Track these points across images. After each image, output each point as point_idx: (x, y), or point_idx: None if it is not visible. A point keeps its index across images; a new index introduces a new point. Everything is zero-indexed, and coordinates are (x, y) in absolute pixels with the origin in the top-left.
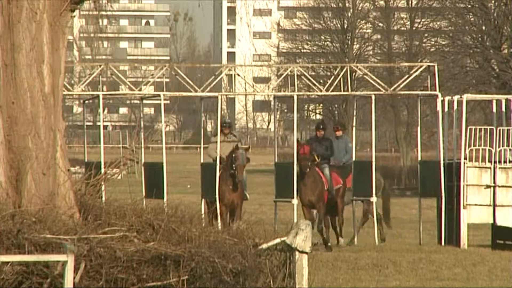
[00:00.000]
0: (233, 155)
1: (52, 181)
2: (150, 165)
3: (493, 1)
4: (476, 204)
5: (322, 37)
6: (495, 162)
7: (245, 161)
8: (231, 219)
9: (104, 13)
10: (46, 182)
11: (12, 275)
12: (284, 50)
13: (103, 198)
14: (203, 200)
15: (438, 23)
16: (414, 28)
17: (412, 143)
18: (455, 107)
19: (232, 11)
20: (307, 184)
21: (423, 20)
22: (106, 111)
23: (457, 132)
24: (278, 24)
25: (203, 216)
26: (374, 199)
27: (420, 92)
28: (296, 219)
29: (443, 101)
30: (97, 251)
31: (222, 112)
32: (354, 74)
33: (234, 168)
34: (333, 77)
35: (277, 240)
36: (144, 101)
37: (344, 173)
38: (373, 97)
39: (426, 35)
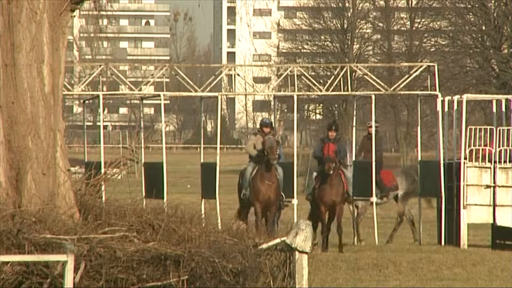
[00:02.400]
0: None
1: (52, 181)
2: (150, 165)
3: (493, 1)
4: (476, 204)
5: (322, 37)
6: (495, 162)
7: (275, 143)
8: (275, 218)
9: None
10: (46, 182)
11: (12, 275)
12: (284, 50)
13: (103, 198)
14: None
15: (438, 23)
16: (414, 28)
17: (412, 143)
18: (455, 107)
19: (232, 11)
20: (332, 185)
21: (423, 20)
22: (106, 111)
23: (457, 132)
24: (278, 24)
25: (203, 216)
26: (374, 199)
27: (420, 92)
28: (296, 219)
29: (443, 101)
30: (97, 251)
31: (222, 112)
32: (354, 74)
33: (266, 153)
34: (333, 77)
35: (277, 240)
36: (144, 101)
37: None
38: (373, 97)
39: (426, 35)
